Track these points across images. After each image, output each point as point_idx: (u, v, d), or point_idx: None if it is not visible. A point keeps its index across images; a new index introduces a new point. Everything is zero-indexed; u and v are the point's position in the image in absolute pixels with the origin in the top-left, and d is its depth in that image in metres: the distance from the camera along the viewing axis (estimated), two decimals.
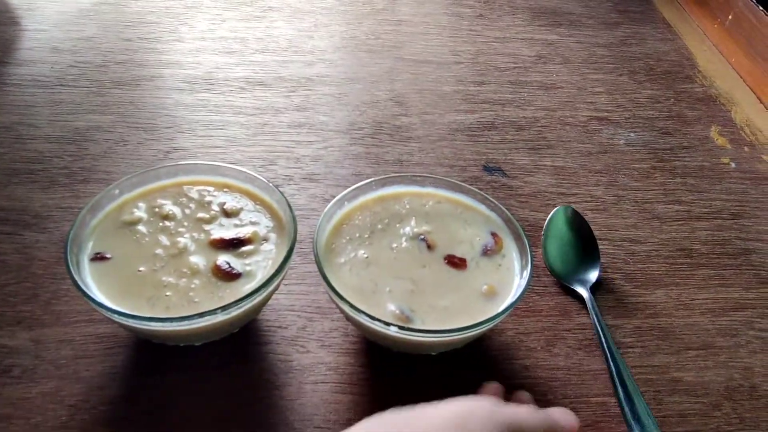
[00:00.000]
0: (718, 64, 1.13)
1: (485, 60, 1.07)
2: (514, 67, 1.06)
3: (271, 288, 0.56)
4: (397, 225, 0.64)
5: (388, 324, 0.53)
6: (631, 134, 0.94)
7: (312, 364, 0.62)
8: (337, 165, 0.84)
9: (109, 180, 0.77)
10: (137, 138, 0.85)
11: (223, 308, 0.53)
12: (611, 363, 0.63)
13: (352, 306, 0.54)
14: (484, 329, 0.55)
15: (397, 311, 0.56)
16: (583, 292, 0.69)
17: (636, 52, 1.13)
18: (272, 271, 0.57)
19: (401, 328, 0.53)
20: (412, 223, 0.64)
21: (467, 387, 0.60)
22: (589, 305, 0.68)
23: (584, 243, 0.73)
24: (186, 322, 0.52)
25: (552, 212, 0.75)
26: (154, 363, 0.60)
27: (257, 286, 0.55)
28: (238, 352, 0.62)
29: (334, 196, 0.77)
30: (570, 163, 0.88)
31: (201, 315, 0.52)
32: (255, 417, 0.57)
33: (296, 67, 1.01)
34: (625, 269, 0.74)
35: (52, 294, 0.65)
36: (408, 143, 0.89)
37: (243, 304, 0.54)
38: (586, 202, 0.82)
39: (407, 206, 0.66)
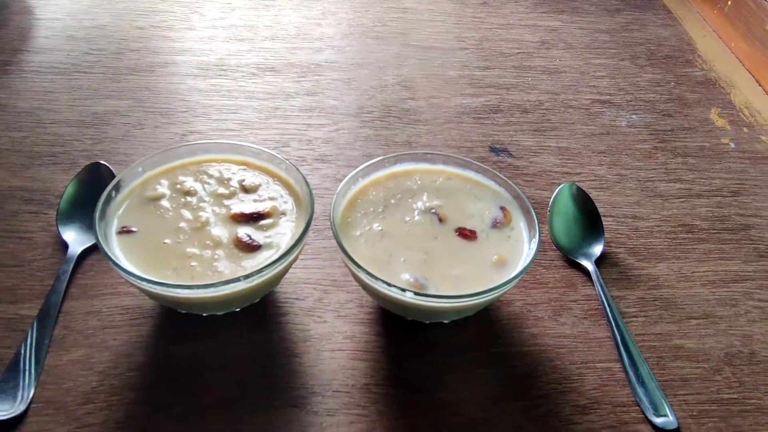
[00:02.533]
0: (718, 48, 1.15)
1: (490, 46, 1.09)
2: (518, 53, 1.08)
3: (291, 258, 0.59)
4: (410, 200, 0.66)
5: (404, 290, 0.56)
6: (633, 116, 0.96)
7: (329, 333, 0.64)
8: (348, 147, 0.86)
9: (128, 162, 0.80)
10: (154, 122, 0.87)
11: (246, 276, 0.55)
12: (616, 331, 0.65)
13: (369, 274, 0.57)
14: (495, 295, 0.57)
15: (412, 279, 0.59)
16: (588, 265, 0.72)
17: (637, 38, 1.15)
18: (292, 242, 0.60)
19: (416, 293, 0.56)
20: (424, 197, 0.67)
21: (477, 354, 0.63)
22: (594, 277, 0.71)
23: (589, 219, 0.76)
24: (211, 289, 0.55)
25: (557, 189, 0.78)
26: (179, 332, 0.63)
27: (278, 255, 0.57)
28: (258, 322, 0.65)
29: (346, 176, 0.80)
30: (574, 144, 0.90)
31: (225, 282, 0.55)
32: (276, 382, 0.60)
33: (305, 53, 1.04)
34: (629, 244, 0.77)
35: (78, 269, 0.67)
36: (416, 126, 0.91)
37: (265, 272, 0.56)
38: (590, 180, 0.84)
39: (419, 182, 0.68)
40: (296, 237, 0.60)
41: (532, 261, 0.60)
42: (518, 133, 0.91)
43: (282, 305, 0.66)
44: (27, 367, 0.58)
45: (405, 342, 0.64)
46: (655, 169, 0.88)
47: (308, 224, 0.60)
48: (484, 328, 0.66)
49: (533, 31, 1.14)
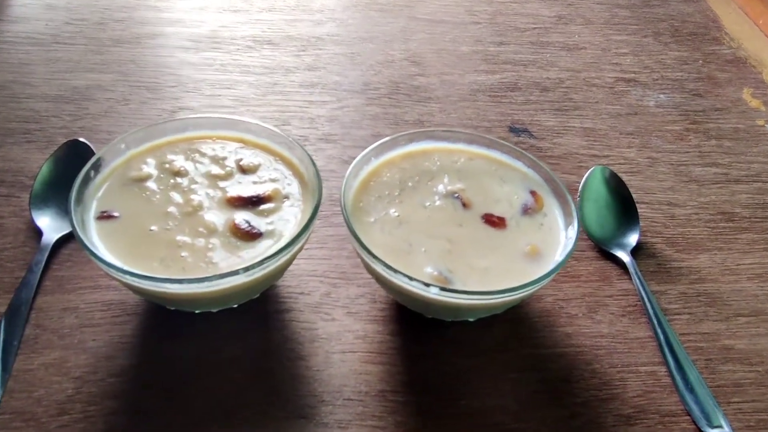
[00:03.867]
0: (745, 25, 1.08)
1: (504, 20, 1.02)
2: (534, 28, 1.01)
3: (296, 247, 0.51)
4: (429, 182, 0.59)
5: (427, 285, 0.48)
6: (661, 96, 0.89)
7: (338, 332, 0.57)
8: (354, 126, 0.79)
9: (111, 139, 0.72)
10: (140, 97, 0.79)
11: (246, 269, 0.48)
12: (658, 330, 0.58)
13: (387, 266, 0.49)
14: (531, 290, 0.50)
15: (435, 272, 0.51)
16: (624, 256, 0.65)
17: (659, 14, 1.08)
18: (297, 229, 0.52)
19: (442, 289, 0.48)
20: (445, 180, 0.59)
21: (507, 356, 0.56)
22: (631, 270, 0.63)
23: (623, 205, 0.69)
24: (206, 284, 0.47)
25: (588, 173, 0.70)
26: (167, 331, 0.55)
27: (284, 244, 0.49)
28: (258, 319, 0.57)
29: (353, 157, 0.72)
30: (599, 124, 0.83)
31: (222, 276, 0.47)
32: (279, 388, 0.53)
33: (305, 26, 0.96)
34: (665, 233, 0.69)
35: (53, 259, 0.60)
36: (427, 104, 0.83)
37: (267, 264, 0.49)
38: (619, 164, 0.77)
39: (438, 163, 0.61)
40: (302, 224, 0.52)
41: (571, 251, 0.52)
42: (539, 113, 0.84)
43: (285, 300, 0.59)
44: None
45: (424, 342, 0.57)
46: (688, 152, 0.80)
47: (316, 209, 0.52)
48: (513, 327, 0.59)
49: (549, 5, 1.06)
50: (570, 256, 0.52)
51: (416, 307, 0.54)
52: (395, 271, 0.49)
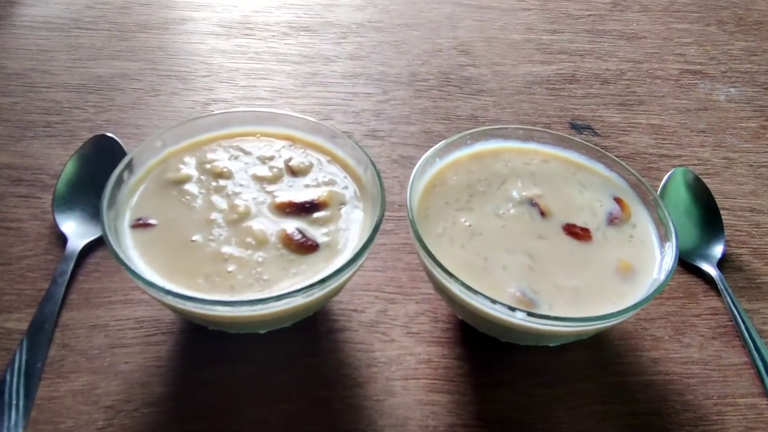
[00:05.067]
0: None
1: (555, 6, 0.94)
2: (589, 15, 0.93)
3: (359, 262, 0.45)
4: (500, 187, 0.52)
5: (513, 309, 0.42)
6: (731, 90, 0.82)
7: (398, 355, 0.51)
8: (402, 120, 0.72)
9: (140, 135, 0.66)
10: (170, 87, 0.73)
11: (305, 290, 0.41)
12: (756, 355, 0.52)
13: (465, 287, 0.43)
14: (629, 315, 0.43)
15: (518, 293, 0.45)
16: (710, 269, 0.58)
17: (721, 1, 1.00)
18: (359, 241, 0.46)
19: (530, 314, 0.42)
20: (518, 184, 0.53)
21: (589, 386, 0.49)
22: (720, 286, 0.57)
23: (706, 213, 0.62)
24: (260, 306, 0.41)
25: (667, 176, 0.64)
26: (208, 354, 0.49)
27: (347, 260, 0.43)
28: (309, 341, 0.51)
29: (403, 156, 0.65)
30: (667, 121, 0.76)
31: (278, 298, 0.41)
32: (335, 421, 0.46)
33: (344, 11, 0.89)
34: (752, 243, 0.63)
35: (79, 269, 0.54)
36: (480, 97, 0.77)
37: (329, 283, 0.42)
38: (692, 165, 0.70)
39: (509, 165, 0.54)
40: (364, 234, 0.46)
41: (673, 268, 0.46)
42: (601, 108, 0.77)
43: (337, 319, 0.53)
44: (14, 400, 0.45)
45: (496, 369, 0.50)
46: (767, 152, 0.73)
47: (381, 217, 0.46)
48: (593, 352, 0.52)
49: None
50: (672, 273, 0.45)
51: (493, 331, 0.47)
52: (475, 292, 0.42)
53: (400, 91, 0.76)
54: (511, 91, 0.78)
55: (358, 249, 0.44)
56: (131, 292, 0.52)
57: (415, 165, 0.49)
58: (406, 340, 0.52)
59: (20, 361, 0.47)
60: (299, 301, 0.42)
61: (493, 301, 0.42)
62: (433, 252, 0.45)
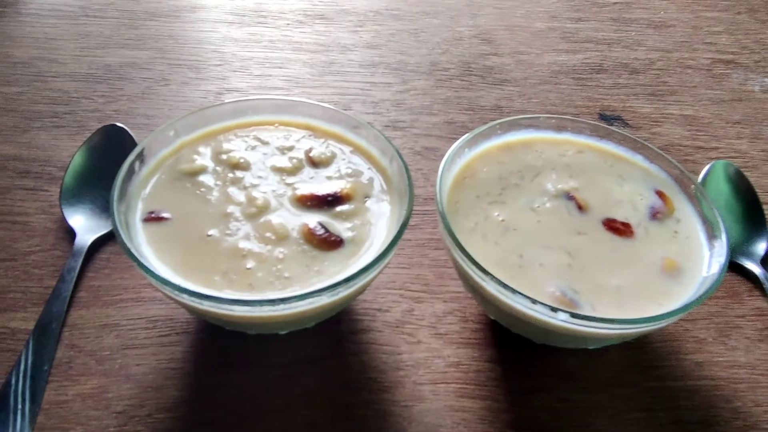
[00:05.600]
0: None
1: None
2: (614, 3, 0.90)
3: (387, 259, 0.41)
4: (534, 179, 0.49)
5: (554, 310, 0.39)
6: (766, 80, 0.78)
7: (426, 358, 0.48)
8: (423, 111, 0.69)
9: (150, 126, 0.63)
10: (181, 77, 0.70)
11: (330, 288, 0.38)
12: None
13: (503, 286, 0.40)
14: (679, 316, 0.40)
15: (557, 292, 0.42)
16: (754, 267, 0.55)
17: None
18: (386, 236, 0.43)
19: (573, 315, 0.39)
20: (553, 177, 0.50)
21: (629, 391, 0.46)
22: (766, 285, 0.53)
23: (748, 208, 0.58)
24: (282, 306, 0.38)
25: (706, 169, 0.60)
26: (225, 356, 0.46)
27: (376, 256, 0.40)
28: (332, 342, 0.48)
29: (426, 148, 0.62)
30: (701, 112, 0.72)
31: (301, 297, 0.38)
32: (359, 427, 0.43)
33: None
34: None
35: (88, 265, 0.51)
36: (504, 87, 0.73)
37: (355, 281, 0.39)
38: (730, 157, 0.67)
39: (542, 156, 0.51)
40: (393, 229, 0.43)
41: (724, 266, 0.42)
42: (631, 98, 0.73)
43: (360, 318, 0.50)
44: (19, 405, 0.42)
45: (530, 372, 0.47)
46: None
47: (409, 211, 0.43)
48: (632, 354, 0.49)
49: None
50: (725, 272, 0.42)
51: (529, 332, 0.44)
52: (513, 291, 0.39)
53: (421, 80, 0.73)
54: (536, 80, 0.75)
55: (386, 245, 0.41)
56: (143, 290, 0.49)
57: (438, 157, 0.46)
58: (434, 342, 0.49)
59: (26, 362, 0.44)
60: (324, 300, 0.39)
61: (534, 301, 0.39)
62: (466, 248, 0.42)
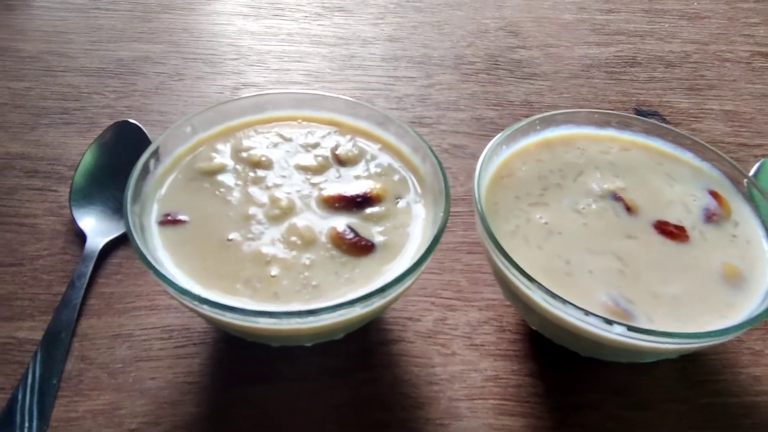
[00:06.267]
0: None
1: None
2: None
3: (424, 266, 0.38)
4: (577, 179, 0.46)
5: (610, 322, 0.35)
6: None
7: (462, 371, 0.44)
8: (450, 106, 0.65)
9: (164, 122, 0.60)
10: (196, 71, 0.67)
11: (363, 299, 0.35)
12: None
13: (550, 295, 0.36)
14: (746, 328, 0.37)
15: (609, 302, 0.38)
16: None
17: None
18: (422, 240, 0.40)
19: (630, 329, 0.35)
20: (597, 176, 0.46)
21: (683, 408, 0.43)
22: None
23: None
24: (311, 319, 0.34)
25: (755, 168, 0.57)
26: (247, 369, 0.43)
27: (414, 262, 0.36)
28: (361, 354, 0.44)
29: (454, 145, 0.59)
30: (743, 107, 0.69)
31: (333, 308, 0.34)
32: None
33: None
34: None
35: (99, 270, 0.48)
36: (533, 81, 0.70)
37: (390, 291, 0.36)
38: None
39: (584, 154, 0.48)
40: (429, 233, 0.40)
41: None
42: (668, 93, 0.70)
43: (390, 328, 0.46)
44: (26, 422, 0.39)
45: (576, 387, 0.44)
46: None
47: (446, 213, 0.39)
48: (685, 368, 0.45)
49: None
50: None
51: (577, 345, 0.41)
52: (564, 301, 0.36)
53: (446, 74, 0.69)
54: (567, 74, 0.71)
55: (422, 250, 0.37)
56: (158, 297, 0.46)
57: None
58: (469, 354, 0.45)
59: (33, 376, 0.41)
60: (356, 311, 0.35)
61: (586, 313, 0.35)
62: (509, 253, 0.38)
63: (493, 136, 0.45)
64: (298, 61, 0.69)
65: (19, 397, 0.40)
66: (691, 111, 0.67)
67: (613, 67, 0.72)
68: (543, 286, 0.36)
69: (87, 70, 0.65)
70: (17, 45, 0.68)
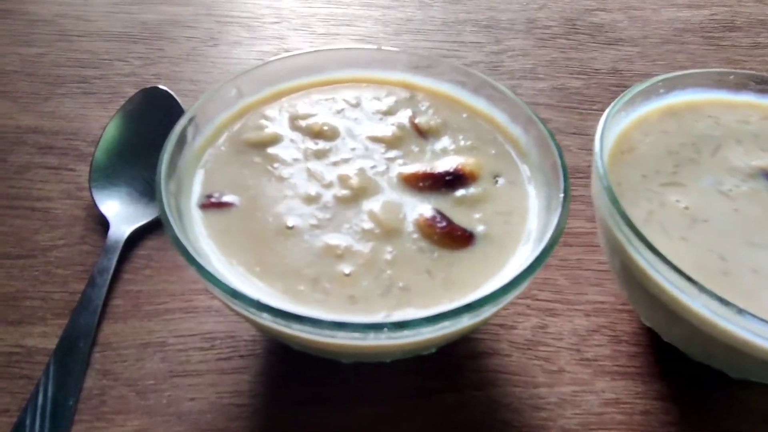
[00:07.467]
0: None
1: None
2: None
3: (544, 263, 0.29)
4: (715, 154, 0.37)
5: None
6: None
7: (573, 393, 0.35)
8: (527, 75, 0.56)
9: (197, 91, 0.52)
10: (232, 36, 0.59)
11: (473, 308, 0.26)
12: None
13: (720, 301, 0.27)
14: None
15: None
16: None
17: None
18: (539, 229, 0.31)
19: None
20: (739, 150, 0.37)
21: None
22: None
23: None
24: (406, 333, 0.26)
25: None
26: (308, 387, 0.35)
27: (535, 258, 0.28)
28: (447, 370, 0.36)
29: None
30: None
31: (434, 320, 0.26)
32: None
33: None
34: None
35: (124, 264, 0.39)
36: (620, 47, 0.60)
37: (504, 298, 0.27)
38: None
39: (718, 124, 0.38)
40: (538, 218, 0.31)
41: None
42: None
43: (479, 337, 0.38)
44: None
45: (717, 413, 0.35)
46: None
47: (567, 195, 0.30)
48: None
49: None
50: None
51: (732, 364, 0.32)
52: (740, 311, 0.27)
53: (518, 40, 0.60)
54: (657, 40, 0.62)
55: (546, 242, 0.28)
56: (196, 297, 0.38)
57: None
58: (580, 371, 0.36)
59: (45, 395, 0.33)
60: (463, 323, 0.27)
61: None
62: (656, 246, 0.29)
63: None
64: (348, 25, 0.61)
65: (27, 422, 0.32)
66: None
67: (710, 32, 0.63)
68: (709, 290, 0.28)
69: (107, 35, 0.57)
70: (28, 8, 0.60)
